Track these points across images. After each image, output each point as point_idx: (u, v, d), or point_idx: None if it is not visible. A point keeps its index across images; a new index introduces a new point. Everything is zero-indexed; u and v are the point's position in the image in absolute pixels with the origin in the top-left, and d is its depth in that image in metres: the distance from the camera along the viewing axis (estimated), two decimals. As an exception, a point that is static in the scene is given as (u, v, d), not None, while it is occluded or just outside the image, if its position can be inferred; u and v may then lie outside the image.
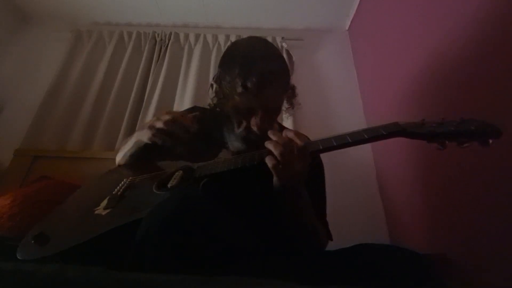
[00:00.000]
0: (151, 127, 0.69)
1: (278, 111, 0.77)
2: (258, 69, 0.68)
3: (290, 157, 0.58)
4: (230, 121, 0.76)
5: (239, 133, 0.74)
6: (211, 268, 0.47)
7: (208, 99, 0.83)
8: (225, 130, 0.80)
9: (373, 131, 0.57)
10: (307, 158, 0.60)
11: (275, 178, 0.63)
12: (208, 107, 0.84)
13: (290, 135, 0.61)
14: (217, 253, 0.48)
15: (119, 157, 0.88)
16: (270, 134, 0.61)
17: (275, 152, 0.58)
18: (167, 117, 0.68)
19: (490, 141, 0.50)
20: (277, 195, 0.65)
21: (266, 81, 0.68)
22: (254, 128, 0.71)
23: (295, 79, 2.00)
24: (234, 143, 0.76)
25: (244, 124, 0.73)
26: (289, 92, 0.82)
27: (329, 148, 0.60)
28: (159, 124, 0.67)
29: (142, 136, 0.72)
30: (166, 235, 0.47)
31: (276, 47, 0.80)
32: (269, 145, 0.60)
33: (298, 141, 0.59)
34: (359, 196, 1.51)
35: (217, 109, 0.80)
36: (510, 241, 0.75)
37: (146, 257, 0.47)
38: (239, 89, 0.68)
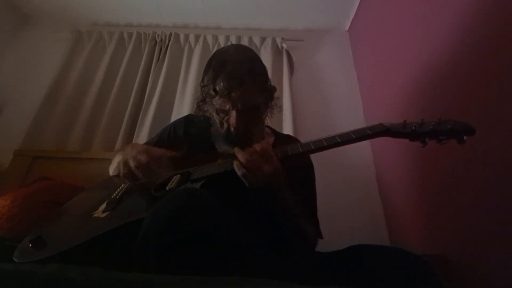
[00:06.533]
0: (125, 164, 0.75)
1: (255, 110, 0.79)
2: (226, 72, 0.73)
3: (256, 162, 0.62)
4: (216, 123, 0.81)
5: (223, 134, 0.79)
6: (215, 262, 0.47)
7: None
8: (213, 132, 0.84)
9: (360, 132, 0.61)
10: (273, 160, 0.63)
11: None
12: (197, 112, 0.89)
13: (254, 147, 0.65)
14: (222, 247, 0.48)
15: (111, 170, 0.89)
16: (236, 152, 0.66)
17: (241, 159, 0.63)
18: (142, 161, 0.73)
19: (465, 137, 0.55)
20: (253, 199, 0.67)
21: (234, 83, 0.72)
22: (231, 128, 0.75)
23: (295, 80, 2.00)
24: (221, 144, 0.80)
25: (226, 125, 0.77)
26: (267, 94, 0.84)
27: (321, 148, 0.63)
28: (132, 165, 0.74)
29: (113, 166, 0.79)
30: (173, 228, 0.47)
31: (254, 51, 0.84)
32: (237, 154, 0.65)
33: (258, 147, 0.63)
34: (358, 196, 1.51)
35: (201, 112, 0.86)
36: (509, 242, 0.75)
37: (151, 252, 0.47)
38: (211, 93, 0.74)
